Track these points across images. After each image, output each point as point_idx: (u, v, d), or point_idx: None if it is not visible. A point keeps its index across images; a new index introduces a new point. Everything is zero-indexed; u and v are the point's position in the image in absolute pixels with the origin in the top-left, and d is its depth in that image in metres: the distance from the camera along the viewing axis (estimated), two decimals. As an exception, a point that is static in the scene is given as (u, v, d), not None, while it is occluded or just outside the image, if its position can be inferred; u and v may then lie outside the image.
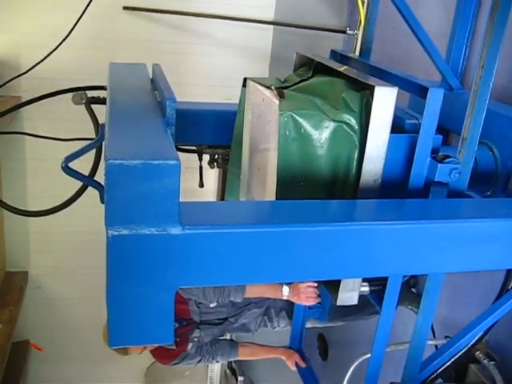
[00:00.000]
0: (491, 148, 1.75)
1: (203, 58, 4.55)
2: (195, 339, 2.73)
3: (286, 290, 2.61)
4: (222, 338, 2.92)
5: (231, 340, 3.05)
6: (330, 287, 1.54)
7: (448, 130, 1.88)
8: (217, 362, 2.96)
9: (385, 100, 1.30)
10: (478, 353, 2.04)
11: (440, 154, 1.36)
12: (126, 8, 4.17)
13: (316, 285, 2.51)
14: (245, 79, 1.66)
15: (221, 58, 4.56)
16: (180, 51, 4.45)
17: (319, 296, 2.53)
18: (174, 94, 1.30)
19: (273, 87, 1.49)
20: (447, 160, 1.32)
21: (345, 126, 1.36)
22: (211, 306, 2.72)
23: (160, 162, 0.96)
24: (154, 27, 4.33)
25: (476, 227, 1.22)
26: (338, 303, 1.50)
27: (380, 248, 1.15)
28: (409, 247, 1.18)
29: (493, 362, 2.01)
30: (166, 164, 0.96)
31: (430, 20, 2.43)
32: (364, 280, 1.58)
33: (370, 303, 1.70)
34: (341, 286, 1.48)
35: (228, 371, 5.34)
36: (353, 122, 1.36)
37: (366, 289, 1.60)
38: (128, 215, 0.97)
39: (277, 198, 1.38)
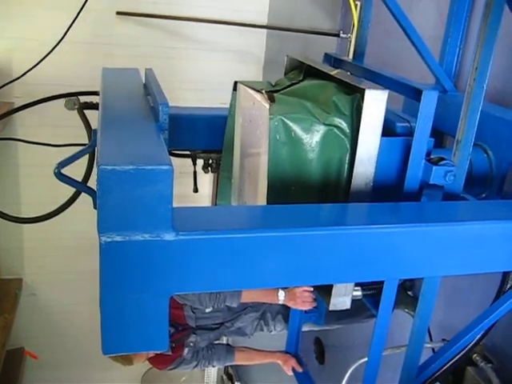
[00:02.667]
0: (486, 150, 1.74)
1: (197, 62, 4.55)
2: (191, 344, 2.72)
3: (281, 294, 2.61)
4: (218, 342, 2.91)
5: (227, 345, 3.05)
6: (323, 292, 1.53)
7: (442, 132, 1.87)
8: (213, 366, 2.96)
9: (375, 103, 1.29)
10: (475, 355, 2.03)
11: (435, 156, 1.35)
12: (119, 13, 4.16)
13: (312, 289, 2.50)
14: (235, 83, 1.65)
15: (215, 63, 4.56)
16: (174, 56, 4.45)
17: (315, 300, 2.52)
18: (167, 99, 1.29)
19: (263, 91, 1.48)
20: (442, 162, 1.32)
21: (336, 130, 1.35)
22: (207, 311, 2.72)
23: (153, 167, 0.94)
24: (147, 32, 4.33)
25: (472, 230, 1.21)
26: (331, 308, 1.49)
27: (374, 252, 1.14)
28: (404, 251, 1.17)
29: (490, 365, 2.00)
30: (159, 169, 0.95)
31: (424, 23, 2.43)
32: (357, 284, 1.57)
33: (366, 306, 1.69)
34: (333, 290, 1.47)
35: (225, 377, 5.32)
36: (344, 125, 1.35)
37: (358, 293, 1.60)
38: (121, 221, 0.95)
39: (268, 203, 1.37)
